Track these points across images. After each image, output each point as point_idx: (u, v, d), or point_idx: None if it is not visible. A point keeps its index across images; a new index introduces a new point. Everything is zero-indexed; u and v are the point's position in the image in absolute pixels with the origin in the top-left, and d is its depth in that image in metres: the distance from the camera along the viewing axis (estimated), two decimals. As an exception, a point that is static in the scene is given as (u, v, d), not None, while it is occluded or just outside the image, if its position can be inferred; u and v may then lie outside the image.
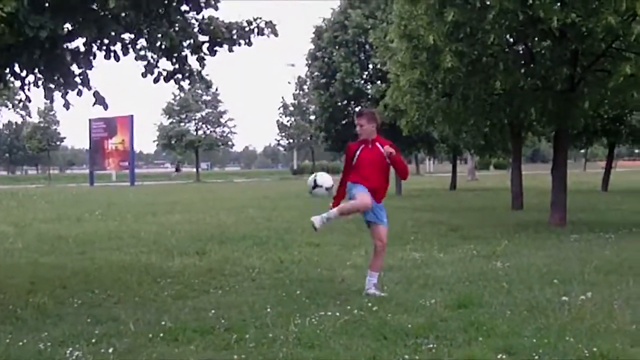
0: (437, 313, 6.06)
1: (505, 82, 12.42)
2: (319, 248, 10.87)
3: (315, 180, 7.15)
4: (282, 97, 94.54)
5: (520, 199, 19.46)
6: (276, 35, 7.84)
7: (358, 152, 7.04)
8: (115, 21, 6.82)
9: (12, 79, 7.59)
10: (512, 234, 12.38)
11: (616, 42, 12.23)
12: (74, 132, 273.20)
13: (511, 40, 13.72)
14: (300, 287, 7.50)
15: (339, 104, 28.49)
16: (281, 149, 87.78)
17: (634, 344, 5.00)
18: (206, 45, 7.79)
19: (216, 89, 66.53)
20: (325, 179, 7.19)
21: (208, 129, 66.06)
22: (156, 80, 7.66)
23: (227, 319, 5.95)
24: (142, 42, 7.39)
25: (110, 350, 5.00)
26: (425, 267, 8.90)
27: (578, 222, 14.19)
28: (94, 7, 6.76)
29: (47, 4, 6.47)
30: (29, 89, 7.55)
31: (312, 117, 43.89)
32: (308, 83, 42.93)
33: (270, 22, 7.81)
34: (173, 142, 64.22)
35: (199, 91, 63.82)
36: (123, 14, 6.74)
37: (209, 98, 66.21)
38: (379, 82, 26.66)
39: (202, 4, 7.56)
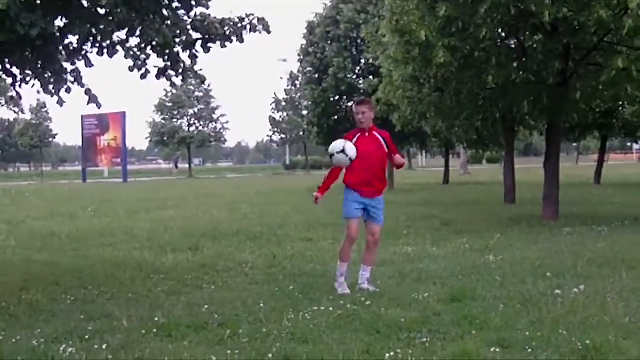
0: (431, 307, 6.08)
1: (497, 77, 12.43)
2: (312, 243, 10.89)
3: (344, 147, 6.85)
4: (275, 93, 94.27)
5: (513, 192, 19.51)
6: (268, 32, 7.82)
7: (354, 141, 6.95)
8: (107, 18, 6.79)
9: (4, 76, 7.55)
10: (505, 228, 12.41)
11: (608, 36, 12.26)
12: (66, 129, 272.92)
13: (503, 34, 13.73)
14: (294, 282, 7.52)
15: (332, 99, 28.43)
16: (274, 144, 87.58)
17: (627, 337, 5.03)
18: (199, 42, 7.77)
19: (208, 85, 66.41)
20: (352, 150, 6.86)
21: (200, 125, 66.00)
22: (144, 77, 7.60)
23: (220, 314, 5.95)
24: (133, 39, 7.35)
25: (104, 347, 4.98)
26: (418, 261, 8.93)
27: (571, 216, 14.21)
28: (86, 4, 6.73)
29: (38, 2, 6.43)
30: (19, 86, 7.52)
31: (305, 112, 43.80)
32: (300, 78, 42.84)
33: (263, 18, 7.79)
34: (166, 138, 64.19)
35: (191, 87, 63.74)
36: (115, 11, 6.72)
37: (201, 94, 66.12)
38: (371, 77, 26.70)
39: (193, 3, 7.54)
